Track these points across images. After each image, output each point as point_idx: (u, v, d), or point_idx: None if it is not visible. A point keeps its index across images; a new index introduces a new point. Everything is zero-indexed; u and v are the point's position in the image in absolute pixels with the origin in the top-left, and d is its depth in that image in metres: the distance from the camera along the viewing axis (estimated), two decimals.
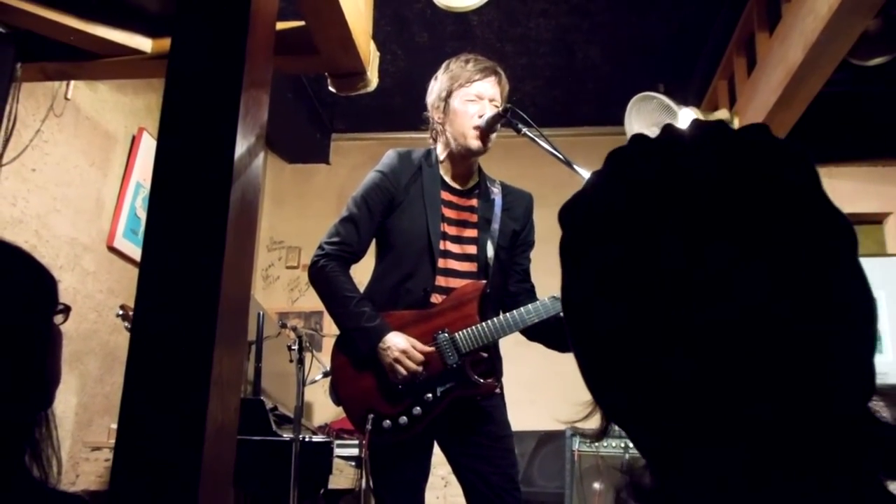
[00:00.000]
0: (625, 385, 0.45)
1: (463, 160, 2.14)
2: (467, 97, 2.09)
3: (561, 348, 2.07)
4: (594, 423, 0.54)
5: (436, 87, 2.17)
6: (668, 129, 0.49)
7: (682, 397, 0.42)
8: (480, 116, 2.07)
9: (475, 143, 2.07)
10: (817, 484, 0.40)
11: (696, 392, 0.41)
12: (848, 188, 4.27)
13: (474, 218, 2.13)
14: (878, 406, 0.43)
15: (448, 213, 2.10)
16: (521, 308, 2.00)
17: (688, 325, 0.42)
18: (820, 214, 0.44)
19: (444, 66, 2.19)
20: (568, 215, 0.51)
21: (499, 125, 2.09)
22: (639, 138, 0.49)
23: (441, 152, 2.17)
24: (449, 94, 2.12)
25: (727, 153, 0.45)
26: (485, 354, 2.03)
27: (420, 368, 1.92)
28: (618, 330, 0.45)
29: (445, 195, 2.12)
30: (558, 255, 0.51)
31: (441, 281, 2.04)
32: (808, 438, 0.41)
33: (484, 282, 2.04)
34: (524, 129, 2.02)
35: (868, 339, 0.43)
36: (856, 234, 0.44)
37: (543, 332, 2.05)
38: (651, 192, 0.45)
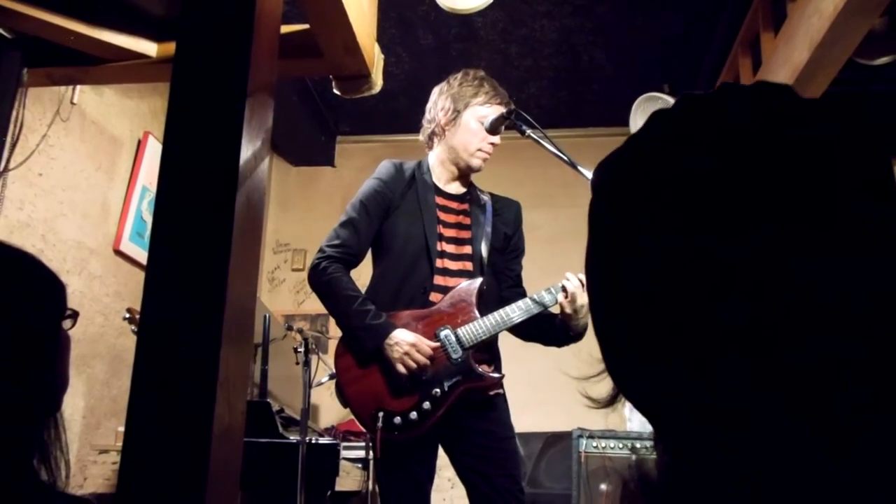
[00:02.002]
0: (644, 343, 0.43)
1: (457, 169, 2.18)
2: (483, 119, 2.12)
3: (557, 342, 2.11)
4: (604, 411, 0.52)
5: (453, 92, 2.16)
6: (724, 87, 0.46)
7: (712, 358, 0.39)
8: (487, 140, 2.11)
9: (477, 163, 2.14)
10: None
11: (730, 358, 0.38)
12: None
13: (468, 220, 2.17)
14: None
15: (443, 216, 2.14)
16: (520, 300, 2.04)
17: (727, 295, 0.38)
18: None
19: (469, 73, 2.18)
20: (602, 174, 0.49)
21: (503, 127, 2.11)
22: (689, 98, 0.46)
23: (433, 158, 2.19)
24: (466, 106, 2.12)
25: (786, 115, 0.42)
26: (487, 356, 2.07)
27: (429, 362, 1.94)
28: (646, 290, 0.42)
29: (440, 200, 2.16)
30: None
31: (439, 280, 2.06)
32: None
33: (480, 279, 2.07)
34: (528, 131, 2.03)
35: None
36: None
37: (538, 329, 2.10)
38: (700, 154, 0.42)
